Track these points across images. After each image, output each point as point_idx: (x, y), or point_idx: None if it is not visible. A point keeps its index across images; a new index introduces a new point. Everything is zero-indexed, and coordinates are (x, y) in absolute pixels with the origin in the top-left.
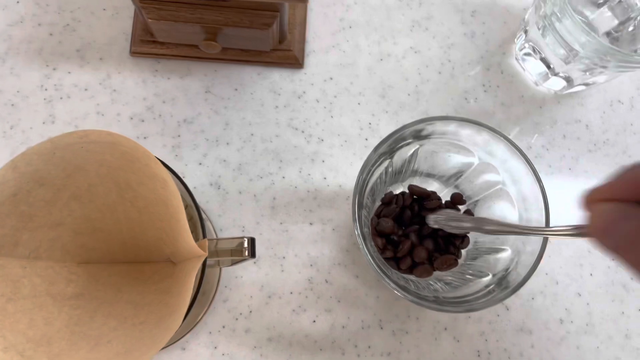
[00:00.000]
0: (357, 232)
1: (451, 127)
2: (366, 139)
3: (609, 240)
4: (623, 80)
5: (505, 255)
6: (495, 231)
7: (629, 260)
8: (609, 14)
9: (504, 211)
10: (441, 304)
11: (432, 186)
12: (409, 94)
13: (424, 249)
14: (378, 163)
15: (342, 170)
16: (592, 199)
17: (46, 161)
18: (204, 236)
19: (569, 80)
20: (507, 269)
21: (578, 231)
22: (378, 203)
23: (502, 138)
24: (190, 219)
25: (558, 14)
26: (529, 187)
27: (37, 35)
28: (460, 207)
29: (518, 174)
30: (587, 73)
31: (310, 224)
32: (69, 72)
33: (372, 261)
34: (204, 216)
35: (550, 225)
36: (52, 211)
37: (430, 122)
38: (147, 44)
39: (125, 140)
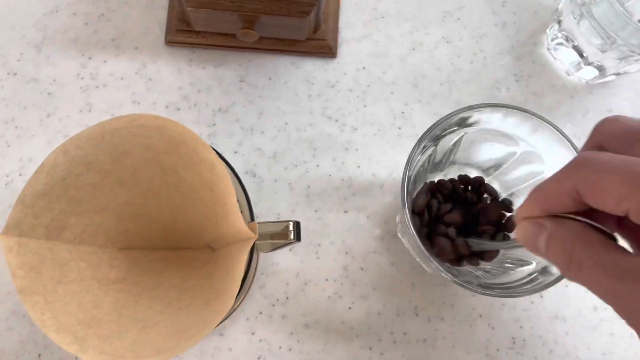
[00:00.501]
0: (407, 215)
1: (498, 114)
2: (399, 128)
3: (533, 249)
4: None
5: None
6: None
7: (552, 259)
8: None
9: None
10: (485, 288)
11: (471, 176)
12: (441, 84)
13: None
14: (423, 150)
15: (376, 159)
16: (518, 217)
17: (95, 145)
18: (252, 219)
19: (601, 69)
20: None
21: (519, 243)
22: (417, 192)
23: (549, 125)
24: (237, 202)
25: (597, 0)
26: None
27: (72, 25)
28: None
29: (564, 162)
30: (622, 61)
31: (345, 212)
32: (105, 61)
33: (418, 241)
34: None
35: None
36: (97, 196)
37: (478, 109)
38: (182, 33)
39: (173, 124)
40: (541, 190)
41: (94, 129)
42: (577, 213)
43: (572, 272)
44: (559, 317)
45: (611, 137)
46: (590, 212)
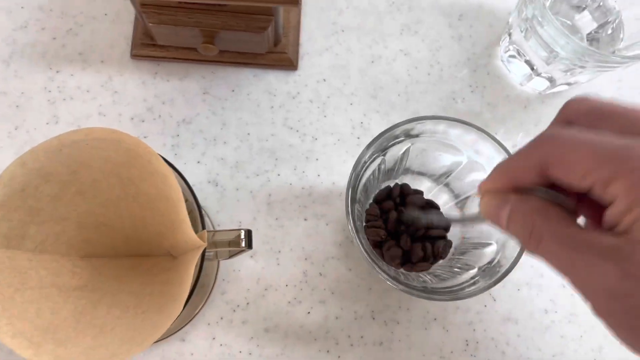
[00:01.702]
0: (350, 225)
1: (441, 126)
2: (358, 138)
3: (496, 222)
4: (603, 80)
5: (491, 249)
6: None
7: (513, 233)
8: (589, 17)
9: None
10: (429, 292)
11: (423, 184)
12: (399, 95)
13: (420, 250)
14: (371, 160)
15: (336, 168)
16: (482, 190)
17: (53, 158)
18: (203, 228)
19: (551, 80)
20: (491, 262)
21: (482, 217)
22: (371, 200)
23: (489, 137)
24: (190, 212)
25: (539, 17)
26: None
27: (40, 39)
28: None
29: None
30: (568, 73)
31: (305, 219)
32: (72, 75)
33: (365, 253)
34: (202, 211)
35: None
36: (57, 206)
37: (421, 122)
38: (147, 47)
39: (128, 137)
40: (506, 164)
41: (51, 142)
42: (541, 185)
43: (531, 245)
44: (511, 320)
45: (578, 114)
46: (553, 186)
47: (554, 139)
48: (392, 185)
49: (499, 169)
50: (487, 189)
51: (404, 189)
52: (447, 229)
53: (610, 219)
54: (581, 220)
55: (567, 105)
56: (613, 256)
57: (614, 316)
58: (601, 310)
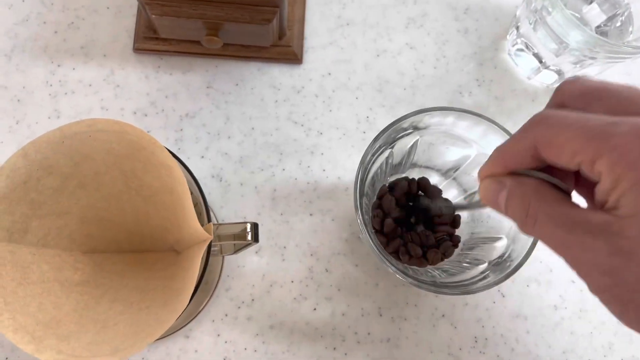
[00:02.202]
0: (359, 218)
1: (450, 118)
2: (364, 132)
3: (495, 206)
4: (612, 73)
5: (501, 244)
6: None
7: (510, 215)
8: (598, 9)
9: None
10: (438, 286)
11: (431, 178)
12: (405, 89)
13: (417, 246)
14: (379, 152)
15: (341, 163)
16: (481, 176)
17: (55, 149)
18: (209, 220)
19: (560, 73)
20: (502, 256)
21: (482, 203)
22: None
23: (499, 128)
24: (195, 205)
25: (549, 8)
26: None
27: (42, 33)
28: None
29: None
30: (578, 65)
31: (310, 214)
32: (74, 69)
33: (374, 247)
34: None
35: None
36: (59, 199)
37: (429, 113)
38: (150, 41)
39: (132, 128)
40: (502, 149)
41: (54, 133)
42: (536, 169)
43: (528, 226)
44: (520, 316)
45: (572, 96)
46: (548, 170)
47: (544, 121)
48: (408, 177)
49: (494, 154)
50: (486, 174)
51: (422, 183)
52: (454, 222)
53: (600, 197)
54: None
55: (561, 88)
56: (603, 233)
57: (607, 292)
58: (595, 287)
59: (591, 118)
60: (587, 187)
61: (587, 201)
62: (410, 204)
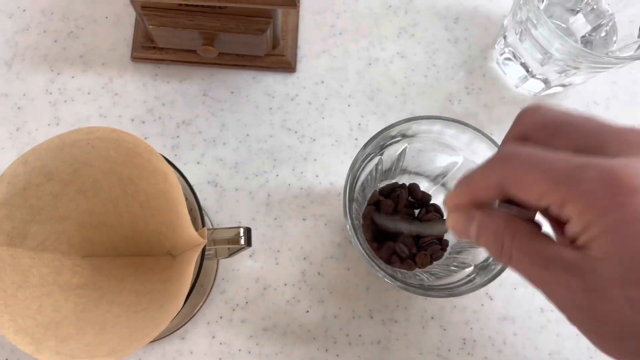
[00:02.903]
0: (348, 224)
1: (437, 126)
2: (356, 139)
3: (465, 237)
4: (598, 82)
5: None
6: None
7: (483, 246)
8: (583, 20)
9: None
10: (426, 289)
11: (420, 184)
12: (396, 97)
13: (407, 250)
14: (368, 159)
15: (334, 169)
16: (448, 206)
17: (54, 156)
18: (203, 225)
19: (546, 82)
20: (487, 260)
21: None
22: (367, 200)
23: (484, 137)
24: (190, 210)
25: (533, 19)
26: None
27: (42, 42)
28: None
29: None
30: (562, 74)
31: (304, 219)
32: (73, 77)
33: (362, 251)
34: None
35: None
36: (58, 205)
37: (417, 121)
38: (147, 50)
39: (129, 136)
40: (468, 181)
41: (53, 140)
42: (502, 200)
43: (504, 260)
44: (508, 319)
45: (534, 127)
46: (513, 203)
47: (510, 160)
48: (398, 183)
49: (460, 185)
50: (453, 204)
51: (412, 190)
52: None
53: (570, 234)
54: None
55: (522, 117)
56: (575, 271)
57: (584, 325)
58: (572, 319)
59: (557, 159)
60: (555, 220)
61: (555, 232)
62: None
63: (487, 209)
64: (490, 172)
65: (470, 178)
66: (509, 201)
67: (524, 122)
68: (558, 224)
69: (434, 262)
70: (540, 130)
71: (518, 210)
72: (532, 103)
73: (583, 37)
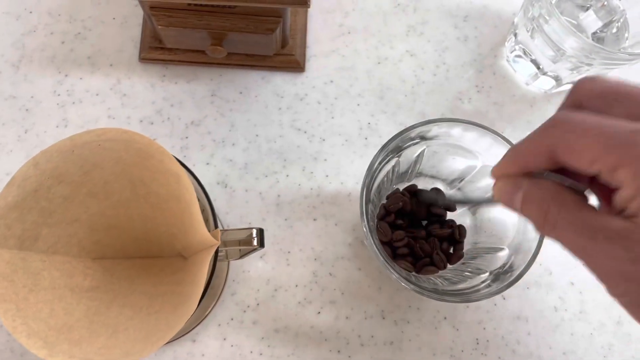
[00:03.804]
0: (364, 224)
1: (457, 129)
2: (366, 139)
3: (510, 207)
4: None
5: (503, 254)
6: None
7: (526, 216)
8: (594, 16)
9: (503, 213)
10: (440, 294)
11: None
12: (405, 95)
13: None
14: (386, 160)
15: (344, 169)
16: (495, 175)
17: (65, 158)
18: (216, 225)
19: (557, 79)
20: (503, 266)
21: (494, 200)
22: (384, 200)
23: (504, 142)
24: (202, 211)
25: (546, 16)
26: None
27: (49, 44)
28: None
29: None
30: (575, 71)
31: (314, 219)
32: (81, 78)
33: (377, 252)
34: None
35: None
36: (69, 207)
37: (437, 124)
38: (155, 50)
39: (140, 137)
40: (517, 149)
41: (64, 142)
42: (551, 170)
43: (546, 230)
44: (521, 318)
45: (590, 96)
46: (563, 169)
47: (562, 125)
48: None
49: (509, 154)
50: (500, 172)
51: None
52: (460, 232)
53: (619, 203)
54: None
55: (578, 87)
56: (623, 240)
57: (627, 296)
58: (615, 291)
59: (612, 124)
60: (602, 188)
61: (602, 202)
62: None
63: (535, 178)
64: (540, 137)
65: (520, 145)
66: (559, 172)
67: (580, 91)
68: (606, 196)
69: (449, 267)
70: (596, 98)
71: (568, 182)
72: (588, 75)
73: (594, 33)
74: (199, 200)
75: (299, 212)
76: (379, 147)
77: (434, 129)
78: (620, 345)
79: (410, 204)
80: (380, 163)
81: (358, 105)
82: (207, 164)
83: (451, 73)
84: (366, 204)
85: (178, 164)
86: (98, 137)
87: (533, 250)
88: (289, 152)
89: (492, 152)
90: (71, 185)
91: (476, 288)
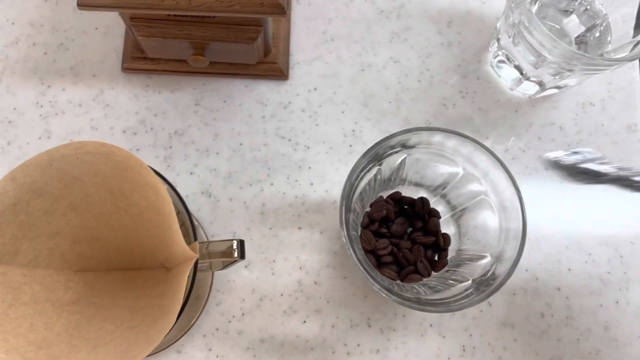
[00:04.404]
0: (344, 234)
1: (437, 137)
2: (350, 146)
3: None
4: (593, 82)
5: (485, 262)
6: None
7: None
8: (577, 21)
9: (486, 220)
10: (422, 304)
11: (420, 195)
12: (390, 102)
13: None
14: (367, 169)
15: (328, 176)
16: None
17: (44, 172)
18: (195, 239)
19: (541, 84)
20: (485, 274)
21: None
22: (367, 208)
23: (484, 150)
24: (182, 224)
25: (526, 22)
26: (509, 198)
27: (32, 55)
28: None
29: (499, 185)
30: (557, 77)
31: (299, 228)
32: (64, 89)
33: (358, 263)
34: (195, 222)
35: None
36: (50, 220)
37: (417, 132)
38: (138, 60)
39: (119, 150)
40: None
41: (42, 156)
42: None
43: None
44: (507, 324)
45: None
46: None
47: None
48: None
49: None
50: None
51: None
52: (445, 240)
53: None
54: None
55: None
56: None
57: None
58: None
59: None
60: None
61: None
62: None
63: None
64: None
65: None
66: None
67: None
68: None
69: (433, 274)
70: None
71: None
72: None
73: (577, 37)
74: (178, 213)
75: (283, 221)
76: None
77: (414, 138)
78: (607, 350)
79: (394, 211)
80: (360, 171)
81: (342, 112)
82: (191, 173)
83: (435, 79)
84: (346, 212)
85: (156, 176)
86: (76, 150)
87: (514, 259)
88: (273, 161)
89: (473, 160)
90: (51, 198)
91: (459, 297)
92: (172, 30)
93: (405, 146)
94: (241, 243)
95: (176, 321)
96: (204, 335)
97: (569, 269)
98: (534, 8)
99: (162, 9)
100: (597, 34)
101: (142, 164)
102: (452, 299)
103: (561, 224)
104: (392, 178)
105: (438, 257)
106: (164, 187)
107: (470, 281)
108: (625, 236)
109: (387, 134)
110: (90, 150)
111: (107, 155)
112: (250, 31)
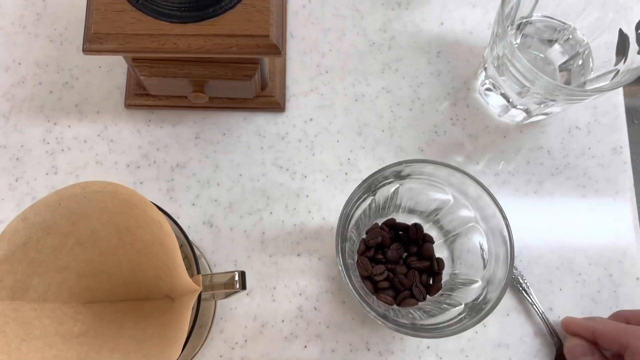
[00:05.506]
0: (340, 262)
1: (428, 168)
2: (346, 174)
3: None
4: (579, 108)
5: (477, 285)
6: None
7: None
8: (560, 50)
9: (477, 245)
10: (417, 330)
11: (413, 221)
12: (383, 130)
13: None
14: (362, 199)
15: (325, 204)
16: (567, 330)
17: (53, 211)
18: (198, 272)
19: (527, 111)
20: (477, 299)
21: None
22: (364, 235)
23: (472, 180)
24: (185, 257)
25: (508, 55)
26: (497, 225)
27: (38, 94)
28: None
29: (487, 212)
30: (542, 105)
31: (298, 255)
32: (69, 126)
33: (354, 291)
34: (197, 253)
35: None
36: (58, 256)
37: (408, 164)
38: (140, 97)
39: (124, 188)
40: (603, 328)
41: (51, 196)
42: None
43: None
44: (502, 345)
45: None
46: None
47: (637, 336)
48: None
49: (593, 323)
50: (574, 331)
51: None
52: (439, 264)
53: None
54: None
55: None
56: None
57: None
58: None
59: None
60: None
61: None
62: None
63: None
64: (622, 335)
65: (605, 325)
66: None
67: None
68: None
69: (429, 298)
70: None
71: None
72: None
73: (561, 65)
74: (181, 246)
75: (283, 249)
76: (359, 181)
77: (406, 169)
78: None
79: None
80: (355, 202)
81: (337, 141)
82: (193, 204)
83: (426, 107)
84: (342, 243)
85: (160, 212)
86: (83, 189)
87: (503, 284)
88: (272, 190)
89: (462, 189)
90: (59, 235)
91: (452, 321)
92: (173, 69)
93: (398, 177)
94: (242, 274)
95: (182, 351)
96: None
97: (560, 289)
98: (518, 39)
99: (163, 52)
100: (580, 62)
101: (146, 201)
102: (445, 324)
103: (551, 245)
104: (387, 206)
105: (433, 281)
106: (167, 223)
107: (462, 306)
108: (614, 256)
109: (381, 161)
110: (96, 189)
111: (113, 193)
112: (248, 69)
